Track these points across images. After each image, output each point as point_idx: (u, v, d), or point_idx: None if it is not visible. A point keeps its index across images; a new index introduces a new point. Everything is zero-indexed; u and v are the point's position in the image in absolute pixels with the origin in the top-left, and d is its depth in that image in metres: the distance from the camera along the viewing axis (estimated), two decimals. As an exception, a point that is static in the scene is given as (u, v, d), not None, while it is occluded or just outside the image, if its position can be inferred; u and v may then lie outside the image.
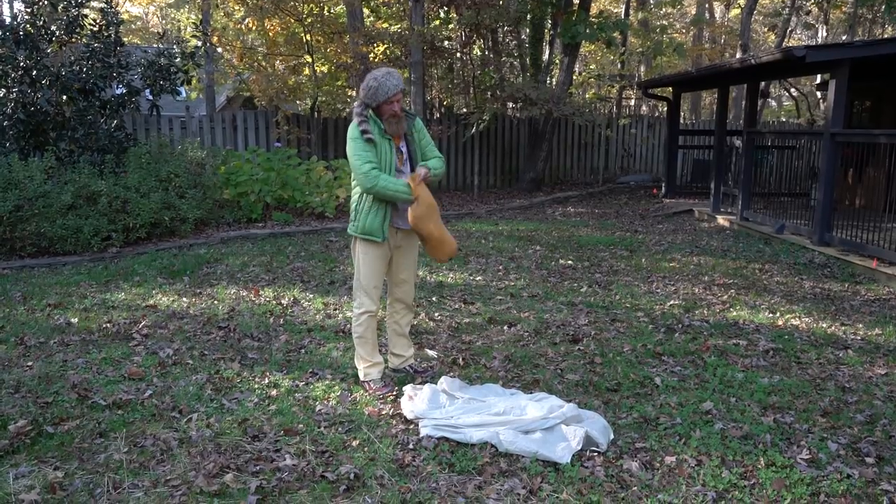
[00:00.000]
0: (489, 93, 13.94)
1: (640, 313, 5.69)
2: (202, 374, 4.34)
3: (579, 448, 3.32)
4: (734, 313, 5.69)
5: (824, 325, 5.39)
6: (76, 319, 5.49)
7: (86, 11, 9.68)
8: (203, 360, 4.62)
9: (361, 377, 4.14)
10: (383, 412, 3.81)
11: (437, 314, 5.62)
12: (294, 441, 3.48)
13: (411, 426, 3.64)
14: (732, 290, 6.41)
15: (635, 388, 4.14)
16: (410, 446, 3.43)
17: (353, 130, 3.85)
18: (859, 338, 5.11)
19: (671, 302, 6.02)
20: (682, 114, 16.47)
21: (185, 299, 6.10)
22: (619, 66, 19.01)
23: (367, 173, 3.77)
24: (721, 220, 10.36)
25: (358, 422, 3.70)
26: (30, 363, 4.53)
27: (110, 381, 4.22)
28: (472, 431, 3.47)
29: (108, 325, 5.35)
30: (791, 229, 8.80)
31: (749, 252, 8.13)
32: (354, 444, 3.47)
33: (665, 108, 15.17)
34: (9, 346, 4.88)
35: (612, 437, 3.47)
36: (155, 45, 10.66)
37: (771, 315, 5.65)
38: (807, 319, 5.54)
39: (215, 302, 6.02)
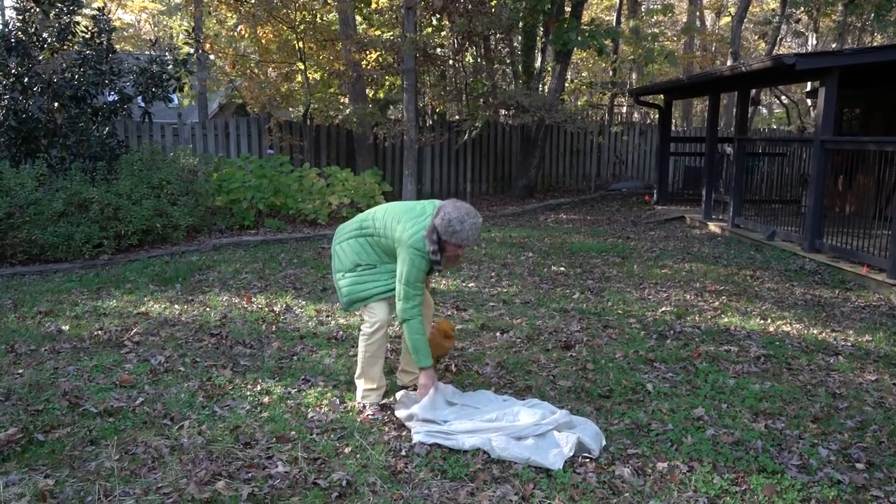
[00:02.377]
0: (481, 100, 13.97)
1: (632, 320, 5.70)
2: (194, 382, 4.32)
3: (571, 454, 3.33)
4: (725, 319, 5.72)
5: (815, 332, 5.42)
6: (67, 327, 5.46)
7: (78, 19, 9.66)
8: (195, 367, 4.61)
9: (359, 397, 4.01)
10: (375, 419, 3.81)
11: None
12: (286, 448, 3.48)
13: (404, 433, 3.64)
14: (724, 297, 6.43)
15: (627, 395, 4.15)
16: (403, 453, 3.43)
17: (422, 258, 3.71)
18: (850, 344, 5.14)
19: (663, 308, 6.04)
20: (673, 121, 16.56)
21: (176, 306, 6.08)
22: (610, 73, 19.09)
23: (408, 309, 3.72)
24: (712, 226, 10.40)
25: (350, 428, 3.69)
26: (20, 371, 4.51)
27: (101, 389, 4.20)
28: (464, 438, 3.48)
29: (99, 332, 5.33)
30: (782, 236, 8.84)
31: (740, 258, 8.16)
32: (347, 450, 3.46)
33: (657, 116, 15.24)
34: (-1, 353, 4.86)
35: (604, 443, 3.48)
36: (147, 52, 10.65)
37: (762, 321, 5.67)
38: (798, 326, 5.57)
39: (207, 309, 6.01)
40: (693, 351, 4.91)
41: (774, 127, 22.82)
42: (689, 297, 6.46)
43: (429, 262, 3.73)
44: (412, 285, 3.72)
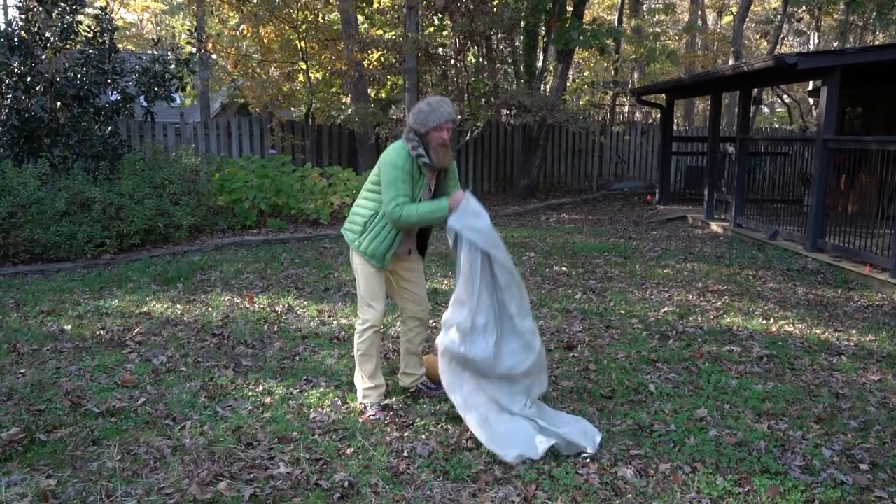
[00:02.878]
0: (483, 100, 13.97)
1: (635, 320, 5.70)
2: (196, 382, 4.32)
3: (538, 457, 3.35)
4: (728, 320, 5.71)
5: (818, 332, 5.41)
6: (69, 326, 5.47)
7: (80, 18, 9.66)
8: (197, 367, 4.61)
9: (360, 398, 3.98)
10: (377, 420, 3.80)
11: (431, 322, 5.60)
12: (288, 449, 3.48)
13: (406, 434, 3.64)
14: (726, 297, 6.42)
15: (630, 395, 4.15)
16: (405, 454, 3.43)
17: (396, 156, 3.67)
18: (853, 344, 5.13)
19: (665, 308, 6.03)
20: (675, 120, 16.55)
21: (178, 306, 6.08)
22: (612, 73, 19.07)
23: (394, 207, 3.63)
24: (714, 226, 10.39)
25: (352, 429, 3.69)
26: (22, 370, 4.51)
27: (103, 389, 4.21)
28: (457, 393, 3.54)
29: (101, 332, 5.33)
30: (784, 235, 8.83)
31: (742, 258, 8.15)
32: (349, 451, 3.46)
33: (658, 115, 15.22)
34: (1, 353, 4.86)
35: (598, 439, 3.47)
36: (150, 52, 10.65)
37: (765, 321, 5.66)
38: (800, 326, 5.56)
39: (209, 309, 6.01)
40: (695, 351, 4.90)
41: (776, 126, 22.80)
42: (691, 297, 6.46)
43: (411, 163, 3.67)
44: (392, 185, 3.63)
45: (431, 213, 3.67)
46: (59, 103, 9.19)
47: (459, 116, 14.50)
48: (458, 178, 3.89)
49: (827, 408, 3.98)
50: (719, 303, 6.22)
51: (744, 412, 3.90)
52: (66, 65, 9.38)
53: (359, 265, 3.89)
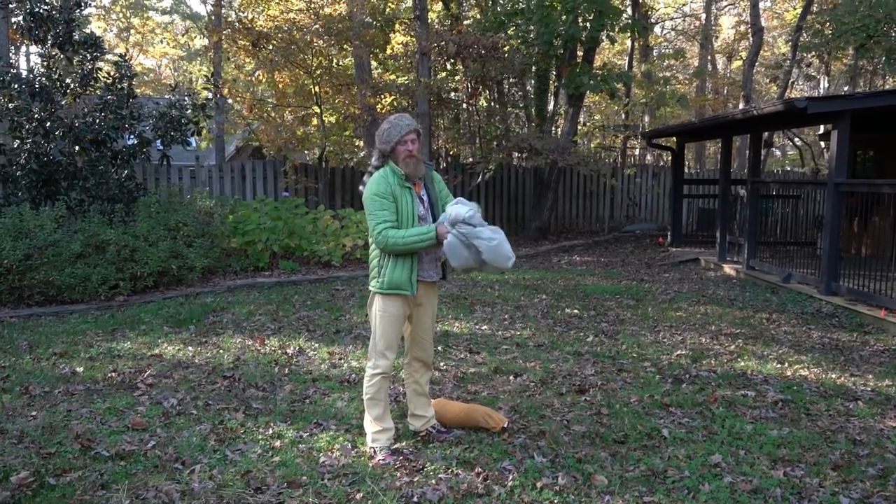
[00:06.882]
0: (495, 143, 14.11)
1: (647, 363, 5.65)
2: (206, 425, 4.31)
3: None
4: (742, 363, 5.65)
5: (833, 376, 5.34)
6: (81, 368, 5.48)
7: (100, 64, 9.89)
8: (207, 410, 4.60)
9: (369, 441, 3.94)
10: (387, 464, 3.77)
11: (442, 364, 5.59)
12: (297, 493, 3.44)
13: (416, 479, 3.60)
14: (740, 340, 6.37)
15: (643, 440, 4.10)
16: (415, 499, 3.39)
17: (375, 186, 3.77)
18: (869, 389, 5.05)
19: (678, 352, 5.98)
20: (686, 163, 16.61)
21: (190, 348, 6.09)
22: (623, 116, 19.24)
23: (378, 235, 3.72)
24: (727, 268, 10.35)
25: (362, 474, 3.66)
26: (34, 413, 4.52)
27: (114, 432, 4.20)
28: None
29: (113, 374, 5.34)
30: (798, 278, 8.77)
31: (756, 301, 8.10)
32: (358, 496, 3.42)
33: (669, 158, 15.30)
34: (14, 395, 4.87)
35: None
36: (167, 97, 10.87)
37: (779, 365, 5.60)
38: (816, 370, 5.49)
39: (220, 351, 6.01)
40: (709, 395, 4.84)
41: (788, 169, 22.84)
42: (704, 340, 6.40)
43: (390, 185, 3.76)
44: (374, 215, 3.74)
45: (419, 239, 3.74)
46: (77, 147, 9.36)
47: (472, 159, 14.69)
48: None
49: (844, 454, 3.91)
50: (733, 346, 6.17)
51: (759, 458, 3.84)
52: (86, 110, 9.58)
53: (379, 311, 3.87)
